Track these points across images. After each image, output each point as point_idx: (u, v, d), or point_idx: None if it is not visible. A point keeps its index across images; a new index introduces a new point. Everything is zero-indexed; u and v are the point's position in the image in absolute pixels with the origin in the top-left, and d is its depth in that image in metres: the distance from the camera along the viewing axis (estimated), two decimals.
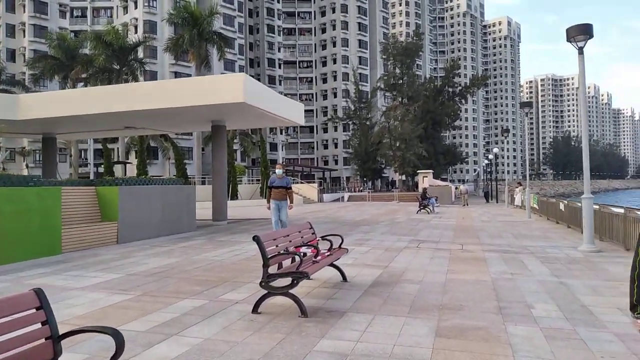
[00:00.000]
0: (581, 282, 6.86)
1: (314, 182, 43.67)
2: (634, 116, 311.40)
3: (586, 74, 10.53)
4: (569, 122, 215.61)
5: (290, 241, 6.06)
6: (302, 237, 6.48)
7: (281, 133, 78.02)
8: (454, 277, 7.27)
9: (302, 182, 43.04)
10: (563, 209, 16.75)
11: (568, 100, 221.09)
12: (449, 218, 20.62)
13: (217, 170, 16.41)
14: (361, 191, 53.44)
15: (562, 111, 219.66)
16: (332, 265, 6.59)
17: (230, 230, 14.71)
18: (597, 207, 11.63)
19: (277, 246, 5.63)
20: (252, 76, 74.73)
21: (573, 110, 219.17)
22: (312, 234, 6.88)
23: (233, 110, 14.13)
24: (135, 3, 58.55)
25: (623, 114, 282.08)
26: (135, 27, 56.85)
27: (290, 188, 11.67)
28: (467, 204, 32.46)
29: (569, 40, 10.31)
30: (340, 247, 6.89)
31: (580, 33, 10.10)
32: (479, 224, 17.41)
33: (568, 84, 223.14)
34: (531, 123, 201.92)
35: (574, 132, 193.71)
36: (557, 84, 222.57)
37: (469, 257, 9.22)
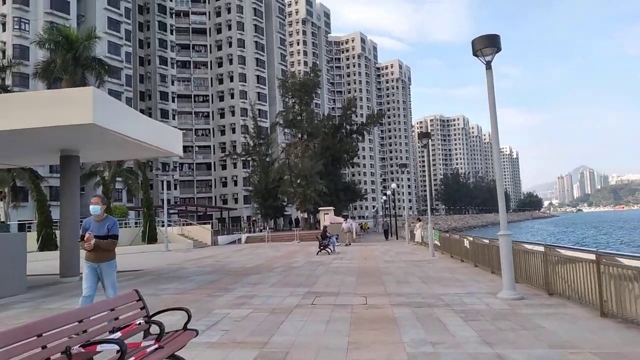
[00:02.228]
0: (524, 354, 5.06)
1: (207, 223, 40.31)
2: (512, 154, 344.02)
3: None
4: (457, 160, 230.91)
5: (85, 330, 3.54)
6: (115, 319, 3.97)
7: (174, 169, 73.43)
8: (357, 357, 5.13)
9: (192, 224, 39.53)
10: (468, 246, 15.64)
11: (455, 140, 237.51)
12: (351, 259, 18.82)
13: (67, 213, 13.05)
14: (261, 231, 50.84)
15: (450, 150, 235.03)
16: (172, 357, 4.13)
17: (74, 290, 11.45)
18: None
19: (44, 347, 3.09)
20: (143, 110, 70.51)
21: (460, 149, 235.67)
22: (141, 308, 4.39)
23: (83, 134, 11.20)
24: (4, 25, 52.31)
25: (503, 152, 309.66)
26: (4, 52, 50.55)
27: (115, 237, 6.64)
28: (350, 244, 30.14)
29: (475, 54, 8.99)
30: (185, 327, 4.45)
31: (488, 45, 8.81)
32: (383, 265, 15.73)
33: (454, 125, 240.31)
34: (423, 160, 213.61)
35: (461, 169, 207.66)
36: (445, 124, 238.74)
37: (375, 317, 7.18)
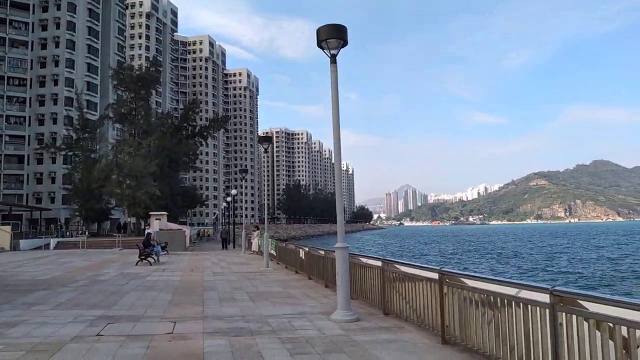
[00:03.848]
0: None
1: (8, 225, 33.82)
2: (349, 170, 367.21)
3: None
4: (299, 172, 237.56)
5: None
6: None
7: None
8: None
9: None
10: (303, 257, 14.68)
11: (298, 153, 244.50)
12: (174, 271, 16.60)
13: None
14: (80, 235, 44.72)
15: (293, 162, 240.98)
16: None
17: None
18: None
19: None
20: None
21: (302, 162, 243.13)
22: None
23: None
24: None
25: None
26: None
27: None
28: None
29: (319, 44, 7.86)
30: None
31: (334, 36, 7.74)
32: (210, 279, 13.93)
33: (298, 138, 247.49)
34: (268, 170, 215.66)
35: (303, 181, 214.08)
36: (290, 137, 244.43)
37: (177, 355, 5.43)
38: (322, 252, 12.53)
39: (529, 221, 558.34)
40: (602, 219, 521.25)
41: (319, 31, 7.81)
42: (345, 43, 7.89)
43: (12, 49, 70.72)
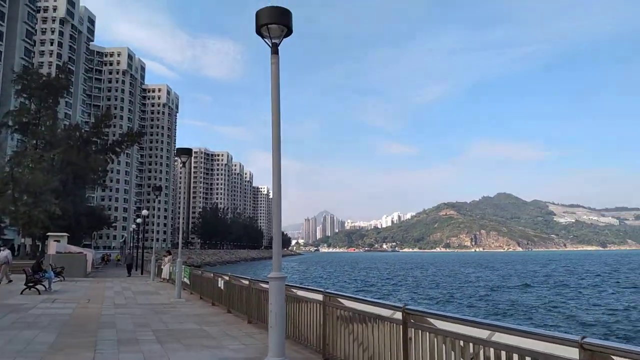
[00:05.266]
0: None
1: None
2: (269, 194, 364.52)
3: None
4: (217, 195, 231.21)
5: None
6: None
7: None
8: None
9: None
10: (223, 287, 12.99)
11: (217, 175, 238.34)
12: (66, 302, 14.13)
13: None
14: None
15: (212, 184, 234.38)
16: None
17: None
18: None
19: None
20: None
21: (221, 184, 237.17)
22: None
23: None
24: None
25: (261, 191, 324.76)
26: None
27: None
28: (10, 280, 21.54)
29: (258, 31, 6.49)
30: None
31: (276, 21, 6.39)
32: (109, 312, 11.81)
33: (218, 160, 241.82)
34: (184, 192, 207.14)
35: (221, 204, 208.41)
36: (209, 158, 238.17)
37: None
38: (246, 282, 10.97)
39: (438, 249, 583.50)
40: (504, 249, 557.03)
41: (258, 14, 6.40)
42: (289, 31, 6.58)
43: None
